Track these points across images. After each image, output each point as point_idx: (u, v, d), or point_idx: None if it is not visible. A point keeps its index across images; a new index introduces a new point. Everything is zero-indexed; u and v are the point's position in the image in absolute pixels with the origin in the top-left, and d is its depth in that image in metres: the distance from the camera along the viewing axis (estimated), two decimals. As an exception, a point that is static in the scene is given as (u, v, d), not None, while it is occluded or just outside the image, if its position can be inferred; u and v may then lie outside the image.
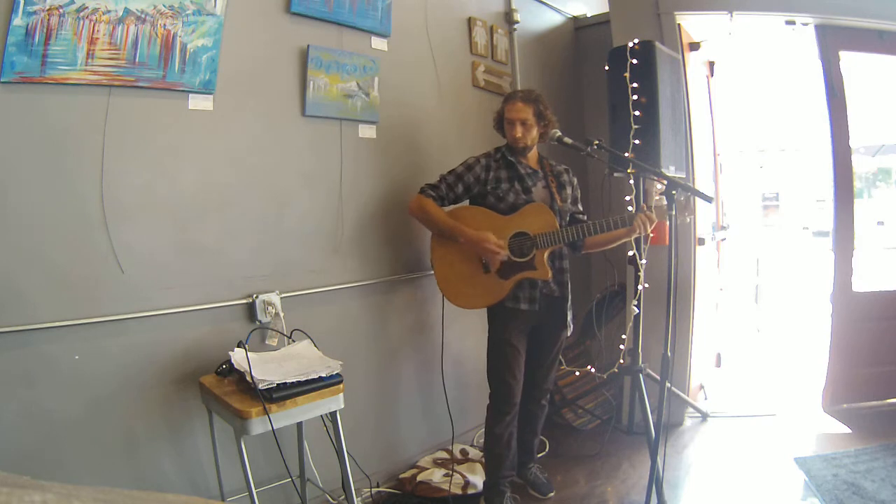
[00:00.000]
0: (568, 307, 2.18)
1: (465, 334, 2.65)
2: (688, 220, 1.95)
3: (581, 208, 2.27)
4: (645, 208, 2.06)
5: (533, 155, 2.18)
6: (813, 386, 3.10)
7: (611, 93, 2.41)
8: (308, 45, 2.06)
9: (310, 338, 1.86)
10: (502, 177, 2.12)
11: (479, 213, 2.12)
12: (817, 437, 2.72)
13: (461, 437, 2.67)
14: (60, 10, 1.50)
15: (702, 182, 2.95)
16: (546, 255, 2.05)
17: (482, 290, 2.10)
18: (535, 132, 2.11)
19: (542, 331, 2.20)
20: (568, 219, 2.18)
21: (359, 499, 2.16)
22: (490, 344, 2.18)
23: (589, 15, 3.60)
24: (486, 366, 2.19)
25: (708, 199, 1.89)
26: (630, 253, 2.26)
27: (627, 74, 2.32)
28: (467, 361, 2.71)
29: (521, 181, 2.11)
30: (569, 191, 2.21)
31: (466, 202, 2.19)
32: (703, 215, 3.04)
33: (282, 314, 1.99)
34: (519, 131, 2.08)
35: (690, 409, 2.97)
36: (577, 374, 2.99)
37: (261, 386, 1.53)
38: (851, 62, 2.86)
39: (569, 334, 2.23)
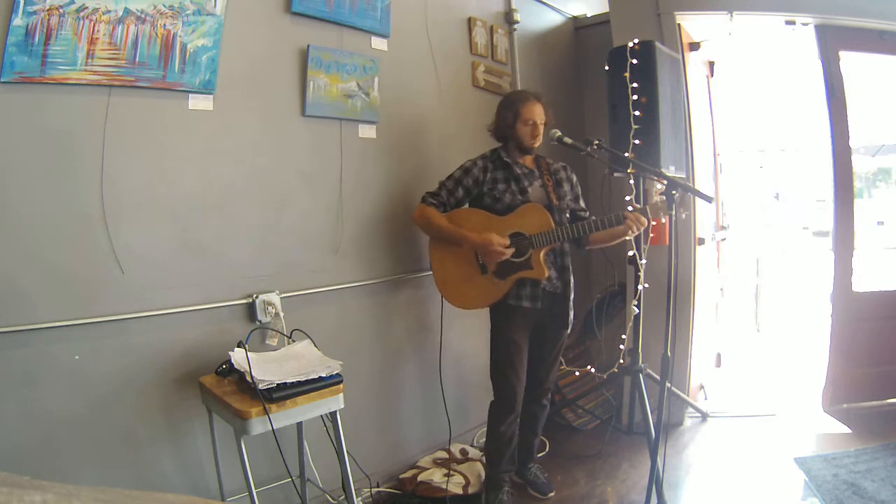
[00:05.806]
0: (570, 305, 2.17)
1: (465, 333, 2.65)
2: (683, 216, 1.95)
3: (583, 205, 2.26)
4: (636, 207, 2.06)
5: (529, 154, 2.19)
6: (813, 386, 3.09)
7: (611, 93, 2.41)
8: (308, 45, 2.06)
9: (310, 338, 1.86)
10: (499, 178, 2.13)
11: (475, 214, 2.13)
12: (817, 437, 2.72)
13: (461, 436, 2.67)
14: (60, 10, 1.50)
15: (702, 182, 2.94)
16: (542, 254, 2.05)
17: (480, 291, 2.12)
18: (542, 132, 2.13)
19: (545, 329, 2.19)
20: (569, 216, 2.17)
21: (359, 499, 2.16)
22: (493, 341, 2.19)
23: (589, 15, 3.60)
24: (490, 363, 2.19)
25: (708, 199, 1.89)
26: (630, 253, 2.26)
27: (627, 74, 2.32)
28: (467, 360, 2.71)
29: (518, 181, 2.12)
30: (567, 188, 2.20)
31: (466, 204, 2.20)
32: (704, 215, 3.04)
33: (282, 314, 1.99)
34: (539, 132, 2.10)
35: (690, 409, 2.97)
36: (577, 374, 2.99)
37: (261, 386, 1.53)
38: (851, 62, 2.86)
39: (567, 332, 2.22)
